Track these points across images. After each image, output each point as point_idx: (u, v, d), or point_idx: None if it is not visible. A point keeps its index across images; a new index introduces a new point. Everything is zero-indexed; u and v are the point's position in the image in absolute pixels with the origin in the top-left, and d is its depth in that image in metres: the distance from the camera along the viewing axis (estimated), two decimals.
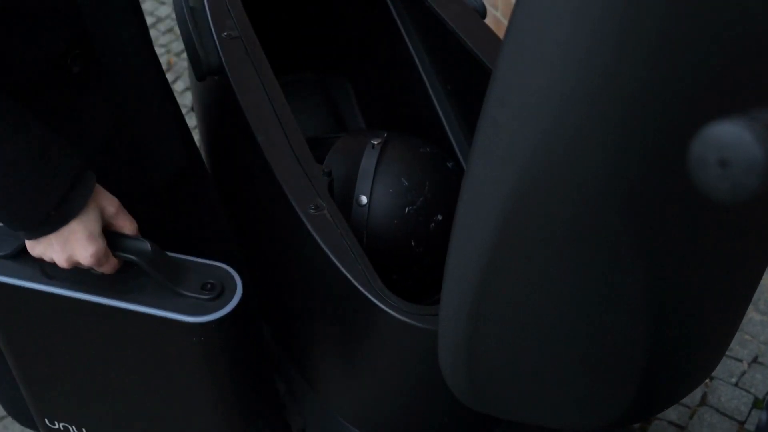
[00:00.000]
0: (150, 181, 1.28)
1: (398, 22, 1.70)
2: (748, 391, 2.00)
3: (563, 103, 0.78)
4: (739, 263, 0.95)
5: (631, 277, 0.90)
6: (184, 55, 3.18)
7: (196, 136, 2.14)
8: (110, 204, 1.12)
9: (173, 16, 3.39)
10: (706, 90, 0.76)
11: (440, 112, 1.67)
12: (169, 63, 3.13)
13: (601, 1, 0.73)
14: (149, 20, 3.31)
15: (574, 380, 1.04)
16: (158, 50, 3.12)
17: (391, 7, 1.71)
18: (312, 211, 1.25)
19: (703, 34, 0.73)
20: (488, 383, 1.07)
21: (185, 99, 2.97)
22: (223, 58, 1.45)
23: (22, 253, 1.15)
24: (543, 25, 0.76)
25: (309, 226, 1.23)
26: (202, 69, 1.45)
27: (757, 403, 1.97)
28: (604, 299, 0.93)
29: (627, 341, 0.97)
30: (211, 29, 1.49)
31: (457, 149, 1.65)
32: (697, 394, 2.00)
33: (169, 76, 3.06)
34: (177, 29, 3.31)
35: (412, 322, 1.14)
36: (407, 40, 1.70)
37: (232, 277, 1.16)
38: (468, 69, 1.55)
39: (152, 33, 3.18)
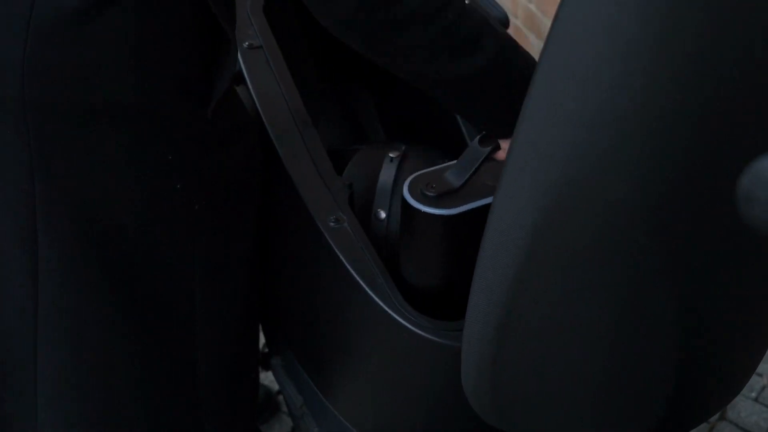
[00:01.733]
0: None
1: None
2: (767, 407, 1.98)
3: (593, 121, 0.77)
4: None
5: (658, 297, 0.88)
6: None
7: None
8: None
9: None
10: (742, 113, 0.74)
11: (461, 125, 1.66)
12: None
13: (636, 23, 0.72)
14: None
15: (599, 399, 1.02)
16: None
17: None
18: (332, 223, 1.24)
19: (741, 57, 0.71)
20: (512, 401, 1.05)
21: None
22: (244, 69, 1.43)
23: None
24: (577, 43, 0.75)
25: (329, 239, 1.22)
26: None
27: None
28: (631, 318, 0.92)
29: (654, 361, 0.96)
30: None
31: None
32: None
33: None
34: None
35: (434, 338, 1.13)
36: None
37: None
38: None
39: None
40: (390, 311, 1.15)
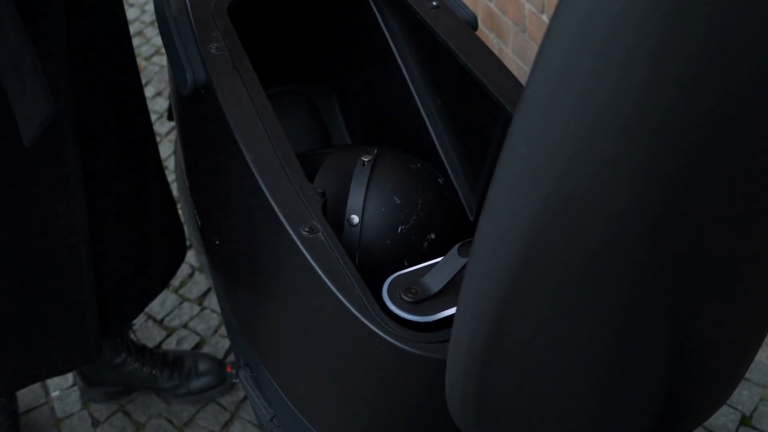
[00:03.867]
0: None
1: (386, 33, 1.66)
2: (735, 408, 1.98)
3: (590, 134, 0.75)
4: (764, 299, 0.92)
5: (653, 313, 0.86)
6: (154, 59, 3.11)
7: (175, 147, 2.07)
8: None
9: (143, 18, 3.32)
10: (749, 122, 0.72)
11: (429, 126, 1.63)
12: (140, 67, 3.07)
13: (634, 34, 0.69)
14: None
15: (588, 416, 1.00)
16: None
17: (380, 18, 1.67)
18: (306, 233, 1.20)
19: (747, 65, 0.69)
20: (498, 416, 1.03)
21: (155, 105, 2.90)
22: (210, 74, 1.39)
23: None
24: (572, 54, 0.72)
25: (303, 250, 1.18)
26: (187, 84, 1.40)
27: (744, 420, 1.96)
28: (624, 334, 0.89)
29: (645, 377, 0.94)
30: (196, 43, 1.43)
31: (446, 164, 1.61)
32: None
33: None
34: (147, 32, 3.24)
35: (413, 350, 1.10)
36: (395, 51, 1.65)
37: None
38: (459, 82, 1.51)
39: None
40: (368, 323, 1.12)
